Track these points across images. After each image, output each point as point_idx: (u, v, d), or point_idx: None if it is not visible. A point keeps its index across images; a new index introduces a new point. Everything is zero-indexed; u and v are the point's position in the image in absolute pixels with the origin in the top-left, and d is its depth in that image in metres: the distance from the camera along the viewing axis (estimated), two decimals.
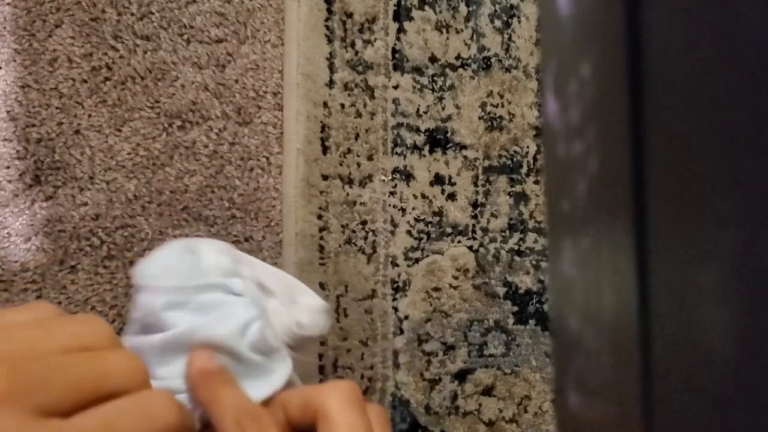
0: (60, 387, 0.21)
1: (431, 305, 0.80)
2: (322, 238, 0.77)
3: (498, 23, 0.83)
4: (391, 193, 0.80)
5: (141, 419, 0.22)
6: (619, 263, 0.13)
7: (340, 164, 0.78)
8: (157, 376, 0.31)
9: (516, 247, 0.83)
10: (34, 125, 0.72)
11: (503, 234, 0.83)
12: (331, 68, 0.78)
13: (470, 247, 0.82)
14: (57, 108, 0.72)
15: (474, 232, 0.82)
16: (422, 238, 0.80)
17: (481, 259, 0.82)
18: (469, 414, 0.81)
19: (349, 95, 0.79)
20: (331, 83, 0.78)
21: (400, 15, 0.81)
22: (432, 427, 0.80)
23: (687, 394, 0.12)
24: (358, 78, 0.79)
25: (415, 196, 0.80)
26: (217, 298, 0.32)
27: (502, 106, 0.83)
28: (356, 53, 0.79)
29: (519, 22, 0.84)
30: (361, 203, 0.79)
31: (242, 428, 0.27)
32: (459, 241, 0.81)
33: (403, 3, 0.81)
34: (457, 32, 0.82)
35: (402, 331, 0.79)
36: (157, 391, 0.25)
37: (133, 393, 0.23)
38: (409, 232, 0.80)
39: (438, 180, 0.81)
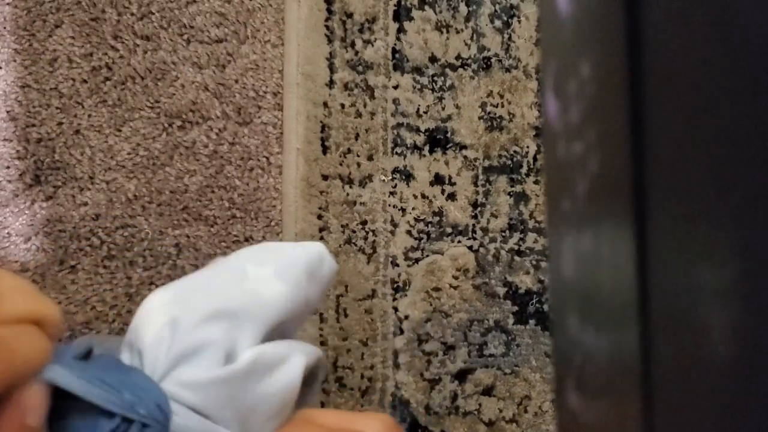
0: None
1: (431, 305, 0.80)
2: (322, 238, 0.77)
3: (498, 23, 0.83)
4: (391, 193, 0.80)
5: None
6: (619, 263, 0.13)
7: (340, 164, 0.78)
8: None
9: (516, 247, 0.83)
10: (34, 125, 0.72)
11: (503, 234, 0.83)
12: (331, 68, 0.78)
13: (470, 247, 0.82)
14: (57, 108, 0.72)
15: (474, 232, 0.82)
16: (422, 238, 0.80)
17: (481, 259, 0.82)
18: (469, 414, 0.81)
19: (349, 95, 0.79)
20: (331, 83, 0.78)
21: (400, 15, 0.81)
22: (432, 427, 0.80)
23: (687, 394, 0.12)
24: (358, 78, 0.79)
25: (415, 196, 0.80)
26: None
27: (502, 106, 0.83)
28: (356, 53, 0.79)
29: (519, 22, 0.84)
30: (361, 203, 0.79)
31: None
32: (459, 241, 0.81)
33: (403, 3, 0.81)
34: (457, 32, 0.82)
35: (402, 331, 0.79)
36: None
37: None
38: (409, 232, 0.80)
39: (438, 180, 0.81)
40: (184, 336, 0.28)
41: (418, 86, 0.81)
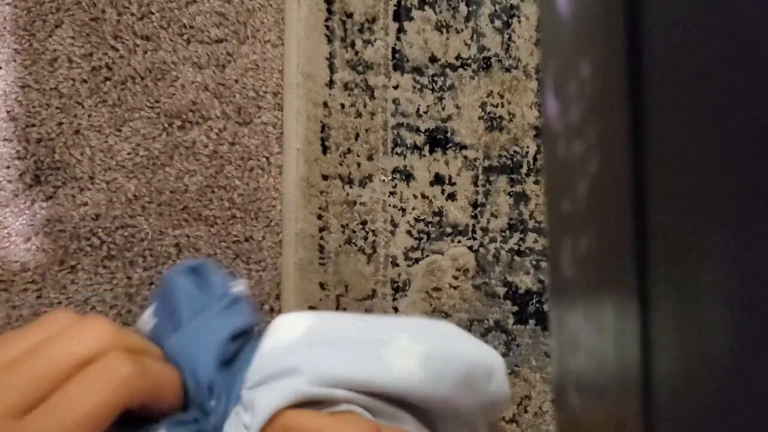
0: (20, 385, 0.21)
1: (431, 305, 0.80)
2: (322, 238, 0.77)
3: (498, 23, 0.83)
4: (391, 193, 0.80)
5: (91, 392, 0.22)
6: (619, 263, 0.13)
7: (340, 164, 0.78)
8: None
9: (516, 247, 0.83)
10: (34, 125, 0.72)
11: (503, 234, 0.83)
12: (331, 68, 0.78)
13: (470, 247, 0.82)
14: (57, 108, 0.72)
15: (474, 232, 0.82)
16: (422, 238, 0.80)
17: (481, 259, 0.82)
18: None
19: (349, 95, 0.79)
20: (331, 83, 0.78)
21: (400, 15, 0.81)
22: None
23: (687, 394, 0.12)
24: (358, 78, 0.79)
25: (415, 196, 0.80)
26: None
27: (502, 106, 0.83)
28: (356, 53, 0.79)
29: (519, 22, 0.84)
30: (361, 203, 0.78)
31: None
32: (459, 241, 0.81)
33: (403, 3, 0.81)
34: (457, 32, 0.82)
35: None
36: (109, 354, 0.24)
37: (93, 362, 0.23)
38: (409, 232, 0.80)
39: (438, 180, 0.81)
40: (295, 384, 0.27)
41: (418, 86, 0.81)
